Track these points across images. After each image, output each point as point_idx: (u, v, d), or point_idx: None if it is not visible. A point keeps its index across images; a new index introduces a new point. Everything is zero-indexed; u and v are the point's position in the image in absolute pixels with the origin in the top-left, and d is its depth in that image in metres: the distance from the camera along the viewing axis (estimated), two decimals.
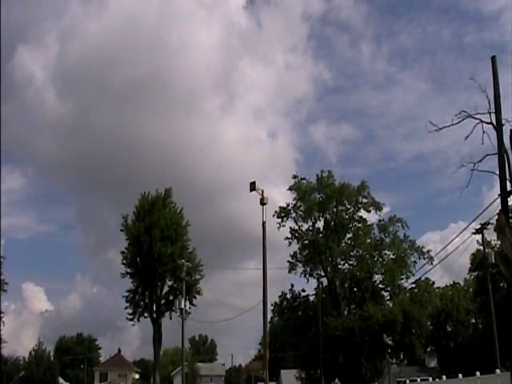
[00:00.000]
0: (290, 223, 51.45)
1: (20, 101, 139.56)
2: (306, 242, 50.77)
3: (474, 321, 63.13)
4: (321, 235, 50.11)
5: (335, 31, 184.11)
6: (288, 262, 51.09)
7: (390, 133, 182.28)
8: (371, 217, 50.86)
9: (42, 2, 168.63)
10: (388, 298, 50.45)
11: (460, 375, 29.42)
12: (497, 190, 17.23)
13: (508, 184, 17.33)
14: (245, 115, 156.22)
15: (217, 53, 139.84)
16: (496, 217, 16.93)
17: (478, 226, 38.36)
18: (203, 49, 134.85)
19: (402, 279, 49.47)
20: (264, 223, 29.23)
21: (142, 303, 58.63)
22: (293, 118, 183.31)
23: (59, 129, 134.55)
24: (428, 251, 48.87)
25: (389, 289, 49.98)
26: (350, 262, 50.38)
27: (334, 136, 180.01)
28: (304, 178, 52.10)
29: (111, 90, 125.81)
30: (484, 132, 19.62)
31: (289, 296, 52.59)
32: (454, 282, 67.65)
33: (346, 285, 51.11)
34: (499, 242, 20.25)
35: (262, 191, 28.66)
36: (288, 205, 51.35)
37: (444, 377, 34.95)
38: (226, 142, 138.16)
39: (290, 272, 51.12)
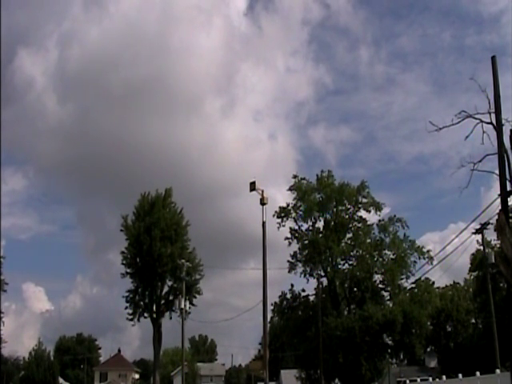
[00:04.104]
0: (290, 223, 51.58)
1: (21, 104, 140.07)
2: (306, 241, 50.76)
3: (474, 321, 63.04)
4: (321, 235, 50.10)
5: (335, 35, 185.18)
6: (288, 261, 51.19)
7: (390, 134, 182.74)
8: (371, 217, 50.97)
9: (43, 6, 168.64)
10: (388, 298, 50.48)
11: (460, 375, 29.37)
12: (495, 190, 17.26)
13: (508, 184, 17.33)
14: (245, 117, 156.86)
15: (218, 56, 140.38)
16: (496, 217, 16.93)
17: (478, 227, 38.36)
18: (204, 52, 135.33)
19: (402, 279, 49.56)
20: (264, 223, 29.22)
21: (141, 303, 58.57)
22: (293, 121, 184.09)
23: (60, 131, 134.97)
24: (428, 251, 48.98)
25: (389, 289, 50.00)
26: (350, 262, 50.45)
27: (335, 138, 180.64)
28: (304, 178, 52.17)
29: (112, 93, 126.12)
30: (484, 132, 19.64)
31: (289, 296, 52.62)
32: (454, 282, 67.60)
33: (346, 285, 51.10)
34: (499, 242, 20.20)
35: (262, 191, 28.65)
36: (288, 205, 51.38)
37: (444, 377, 34.88)
38: (226, 142, 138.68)
39: (289, 272, 51.23)
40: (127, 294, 58.63)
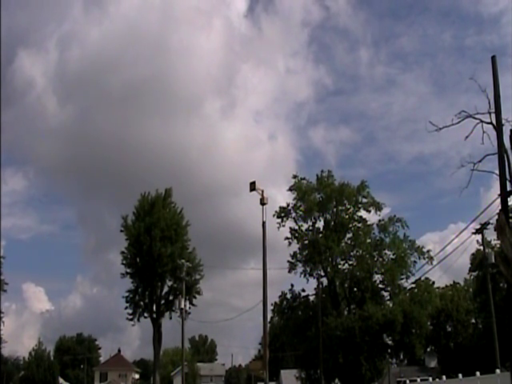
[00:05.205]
0: (290, 223, 51.51)
1: (21, 105, 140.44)
2: (306, 241, 50.73)
3: (474, 321, 63.00)
4: (321, 235, 50.07)
5: (335, 37, 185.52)
6: (288, 261, 51.13)
7: (390, 135, 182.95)
8: (371, 217, 50.94)
9: (43, 7, 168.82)
10: (388, 298, 50.44)
11: (460, 375, 29.34)
12: (495, 190, 17.27)
13: (508, 184, 17.32)
14: (245, 118, 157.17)
15: (218, 57, 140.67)
16: (496, 217, 16.92)
17: (478, 227, 38.36)
18: (204, 53, 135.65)
19: (402, 279, 49.49)
20: (264, 223, 29.19)
21: (141, 303, 58.56)
22: (293, 121, 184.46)
23: (60, 132, 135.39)
24: (428, 251, 48.93)
25: (389, 289, 49.97)
26: (350, 262, 50.37)
27: (335, 138, 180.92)
28: (304, 178, 52.14)
29: (112, 94, 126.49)
30: (484, 132, 19.65)
31: (289, 296, 52.57)
32: (454, 282, 67.55)
33: (346, 285, 51.07)
34: (499, 242, 20.20)
35: (262, 191, 28.63)
36: (288, 205, 51.36)
37: (444, 377, 34.85)
38: (226, 143, 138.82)
39: (289, 272, 51.14)
40: (127, 294, 58.71)
